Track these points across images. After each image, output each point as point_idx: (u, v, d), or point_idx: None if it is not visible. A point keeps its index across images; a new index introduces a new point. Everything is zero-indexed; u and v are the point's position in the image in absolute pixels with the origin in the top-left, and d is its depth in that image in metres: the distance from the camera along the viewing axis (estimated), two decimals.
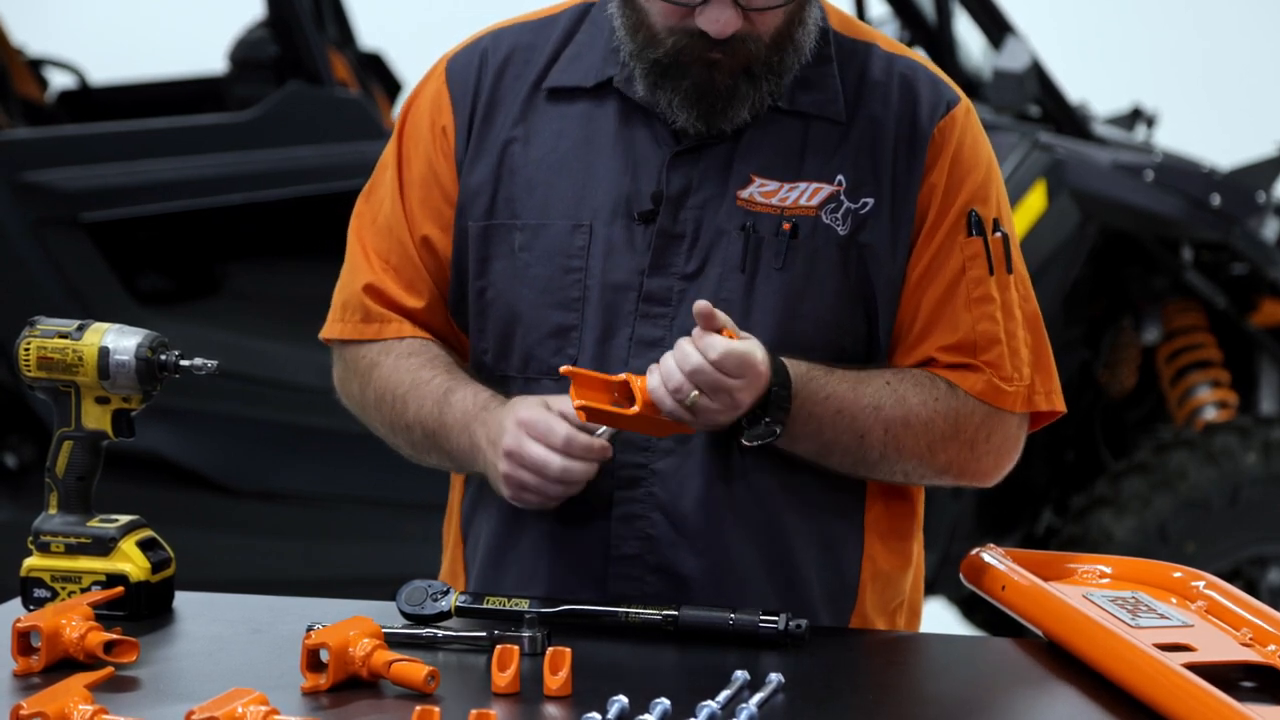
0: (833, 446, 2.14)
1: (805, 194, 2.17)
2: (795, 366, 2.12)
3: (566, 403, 2.09)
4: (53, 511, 2.20)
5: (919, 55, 2.25)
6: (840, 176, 2.17)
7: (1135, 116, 5.52)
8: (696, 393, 2.03)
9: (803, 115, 2.18)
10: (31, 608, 2.16)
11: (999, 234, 2.19)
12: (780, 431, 2.10)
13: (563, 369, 2.07)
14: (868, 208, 2.17)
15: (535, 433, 2.09)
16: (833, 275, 2.16)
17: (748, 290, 2.16)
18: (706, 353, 2.03)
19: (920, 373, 2.17)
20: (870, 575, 2.23)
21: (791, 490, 2.18)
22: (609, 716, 1.79)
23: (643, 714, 1.79)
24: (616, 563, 2.17)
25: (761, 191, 2.17)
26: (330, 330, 2.32)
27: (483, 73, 2.26)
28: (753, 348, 2.06)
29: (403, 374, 2.25)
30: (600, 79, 2.22)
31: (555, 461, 2.09)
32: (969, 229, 2.18)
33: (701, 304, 2.05)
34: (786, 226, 2.16)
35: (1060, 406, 2.22)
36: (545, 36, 2.26)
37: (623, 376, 2.07)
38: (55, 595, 2.17)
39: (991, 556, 2.19)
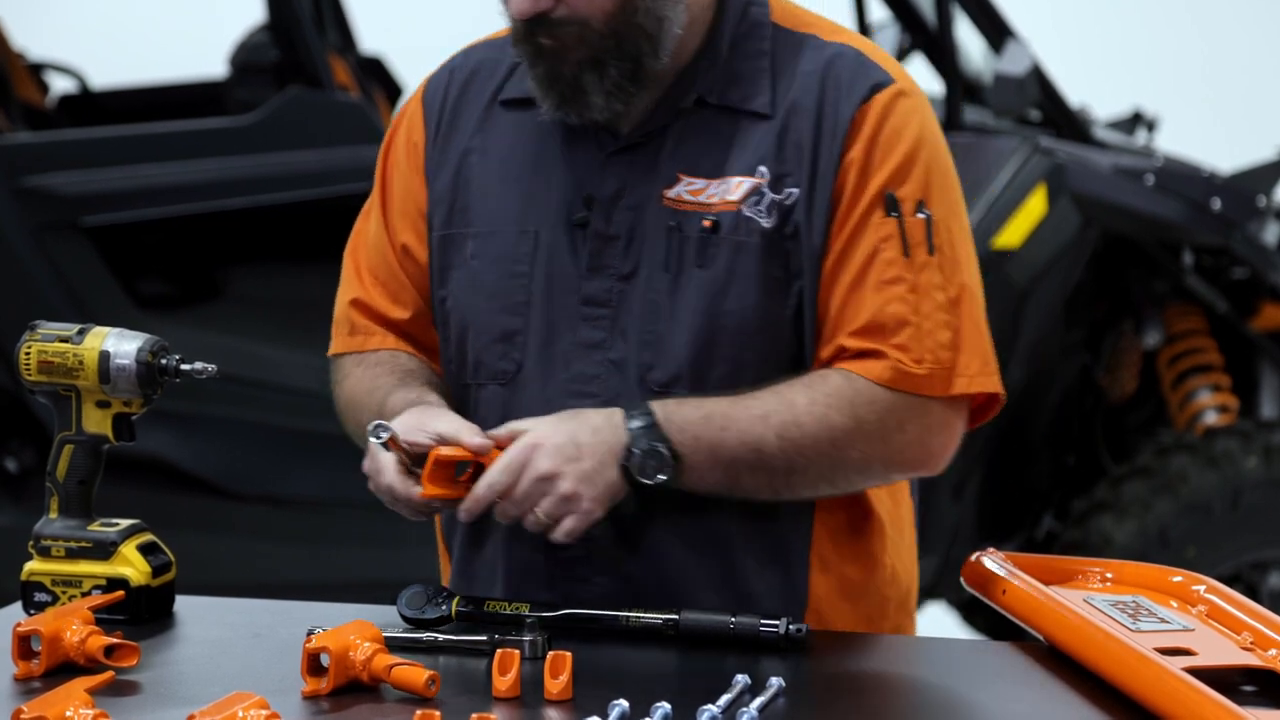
0: (737, 466, 2.11)
1: (729, 189, 2.17)
2: (661, 405, 2.11)
3: (446, 420, 2.12)
4: (53, 516, 2.20)
5: (860, 39, 2.23)
6: (762, 168, 2.16)
7: (1136, 120, 5.53)
8: (538, 510, 2.06)
9: (732, 110, 2.18)
10: (32, 612, 2.17)
11: (922, 215, 2.15)
12: (673, 458, 2.08)
13: (431, 454, 2.08)
14: (792, 198, 2.15)
15: (372, 465, 2.13)
16: (757, 269, 2.15)
17: (672, 290, 2.16)
18: (485, 492, 2.07)
19: (809, 375, 2.14)
20: (822, 576, 2.21)
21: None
22: None
23: (644, 718, 1.79)
24: (563, 565, 2.18)
25: (689, 190, 2.17)
26: (330, 349, 2.38)
27: (449, 88, 2.31)
28: (523, 441, 2.07)
29: (364, 383, 2.29)
30: None
31: (376, 482, 2.14)
32: (886, 211, 2.15)
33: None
34: (707, 224, 2.15)
35: (989, 388, 2.17)
36: (509, 51, 2.27)
37: (486, 456, 2.08)
38: (56, 599, 2.17)
39: (992, 561, 2.19)
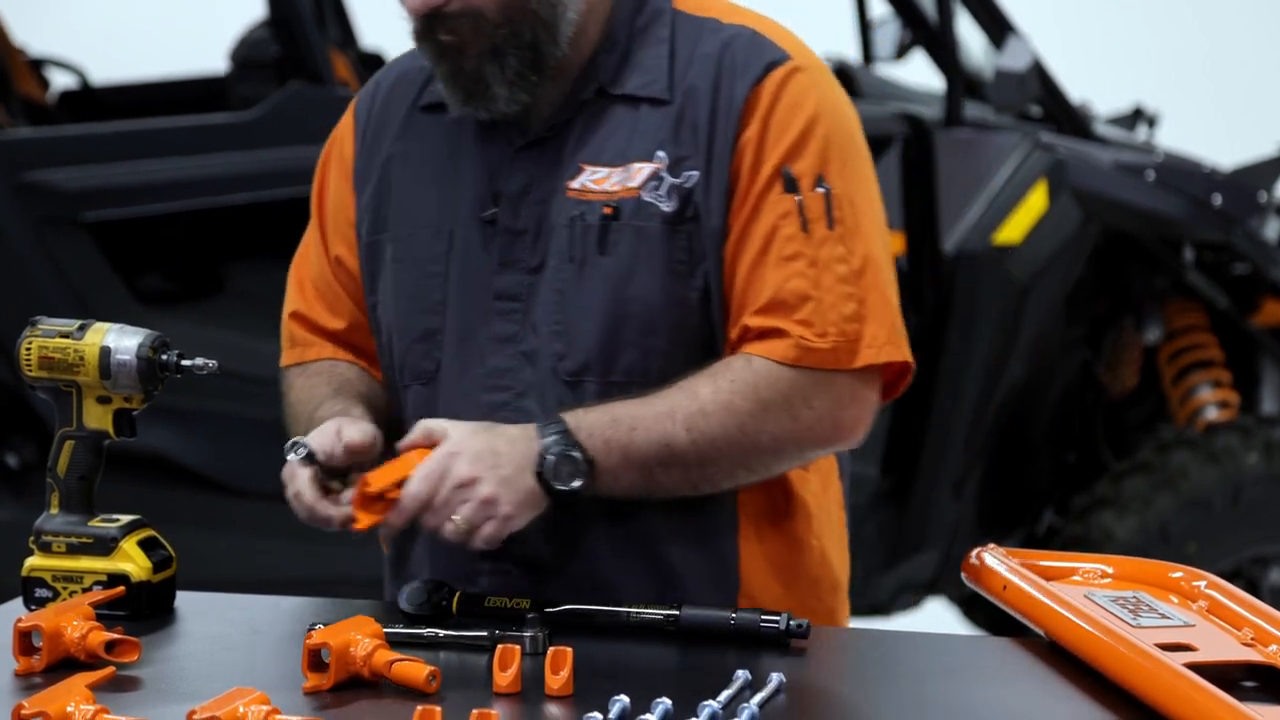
0: (650, 465, 2.10)
1: (630, 175, 2.17)
2: (572, 414, 2.11)
3: (357, 429, 2.14)
4: (54, 511, 2.20)
5: (760, 20, 2.22)
6: (661, 153, 2.17)
7: (1137, 116, 5.53)
8: (456, 518, 2.05)
9: (633, 99, 2.19)
10: (33, 607, 2.16)
11: (821, 190, 2.14)
12: (586, 463, 2.07)
13: (359, 486, 2.07)
14: (691, 181, 2.16)
15: (288, 473, 2.15)
16: (660, 254, 2.16)
17: (577, 280, 2.17)
18: (409, 503, 2.06)
19: (714, 365, 2.14)
20: (751, 558, 2.21)
21: None
22: (610, 716, 1.80)
23: (644, 714, 1.79)
24: (482, 559, 2.19)
25: (593, 180, 2.18)
26: (280, 362, 2.42)
27: (375, 99, 2.35)
28: (442, 450, 2.07)
29: (303, 393, 2.33)
30: None
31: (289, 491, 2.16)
32: (784, 188, 2.14)
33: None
34: (607, 210, 2.16)
35: (897, 356, 2.15)
36: None
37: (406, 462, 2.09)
38: (57, 595, 2.17)
39: (993, 556, 2.19)
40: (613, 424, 2.10)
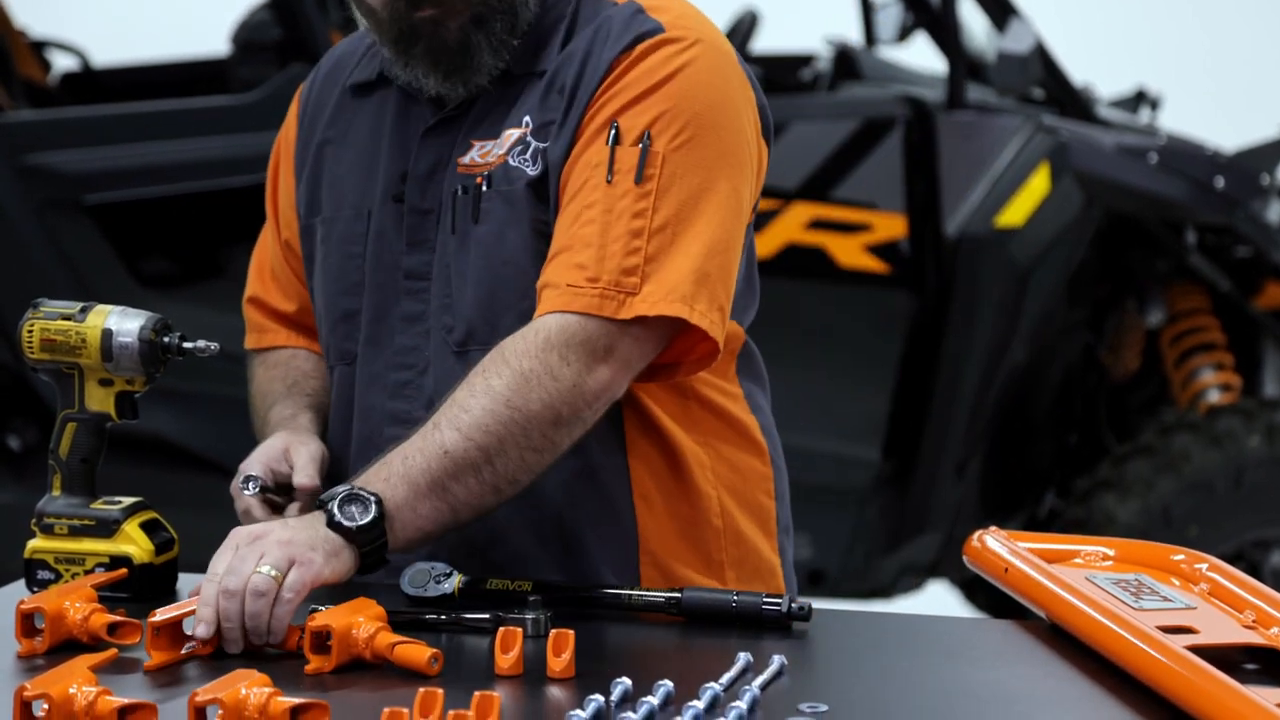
0: (440, 481, 2.05)
1: (501, 144, 2.19)
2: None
3: (305, 453, 2.22)
4: (56, 493, 2.20)
5: (660, 3, 2.21)
6: (527, 118, 2.18)
7: (1139, 99, 5.52)
8: (266, 569, 1.95)
9: (527, 75, 2.21)
10: (35, 589, 2.17)
11: (639, 146, 2.12)
12: (372, 498, 2.02)
13: (148, 623, 1.94)
14: (550, 141, 2.17)
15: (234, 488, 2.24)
16: (527, 217, 2.17)
17: (459, 251, 2.19)
18: (208, 588, 1.96)
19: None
20: (650, 517, 2.21)
21: None
22: (612, 698, 1.80)
23: (646, 696, 1.79)
24: None
25: (481, 154, 2.20)
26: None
27: (314, 85, 2.38)
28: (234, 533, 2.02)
29: (262, 385, 2.39)
30: (382, 70, 2.29)
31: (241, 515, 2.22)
32: (606, 140, 2.13)
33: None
34: (479, 181, 2.18)
35: (669, 311, 2.08)
36: (364, 40, 2.33)
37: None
38: (59, 577, 2.17)
39: (994, 539, 2.19)
40: (384, 464, 2.06)
